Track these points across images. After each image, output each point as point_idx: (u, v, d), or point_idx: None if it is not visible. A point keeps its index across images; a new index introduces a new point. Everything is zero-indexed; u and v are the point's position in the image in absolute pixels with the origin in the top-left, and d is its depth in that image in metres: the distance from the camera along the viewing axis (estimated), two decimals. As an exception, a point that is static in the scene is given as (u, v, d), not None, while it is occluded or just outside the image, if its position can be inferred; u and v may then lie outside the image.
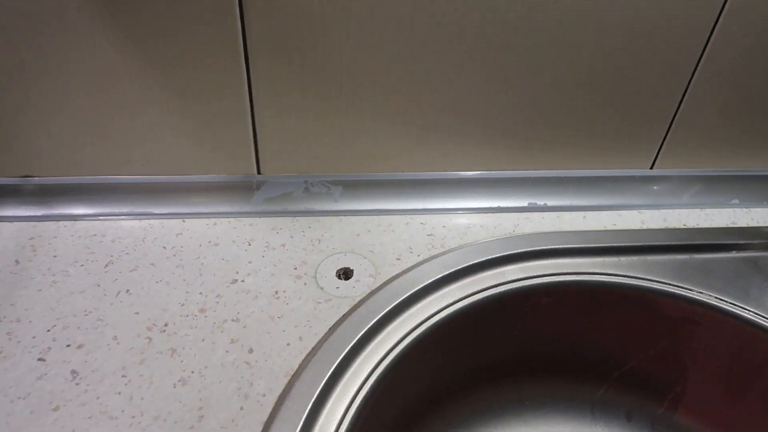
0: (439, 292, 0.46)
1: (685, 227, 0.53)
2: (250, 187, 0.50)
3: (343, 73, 0.46)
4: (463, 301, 0.46)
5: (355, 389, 0.38)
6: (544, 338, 0.53)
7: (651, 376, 0.54)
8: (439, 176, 0.53)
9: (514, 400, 0.56)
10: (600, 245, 0.50)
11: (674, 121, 0.53)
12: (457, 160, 0.53)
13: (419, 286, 0.45)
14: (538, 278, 0.48)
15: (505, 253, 0.49)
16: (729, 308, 0.47)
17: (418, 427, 0.51)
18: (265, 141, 0.49)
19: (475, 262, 0.48)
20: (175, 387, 0.37)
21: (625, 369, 0.54)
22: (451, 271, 0.47)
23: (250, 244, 0.48)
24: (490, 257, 0.48)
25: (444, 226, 0.51)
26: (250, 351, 0.39)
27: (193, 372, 0.38)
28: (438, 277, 0.46)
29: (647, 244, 0.51)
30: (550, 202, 0.54)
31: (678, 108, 0.52)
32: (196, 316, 0.41)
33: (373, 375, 0.40)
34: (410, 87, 0.48)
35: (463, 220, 0.52)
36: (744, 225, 0.54)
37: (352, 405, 0.38)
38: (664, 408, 0.55)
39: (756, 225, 0.53)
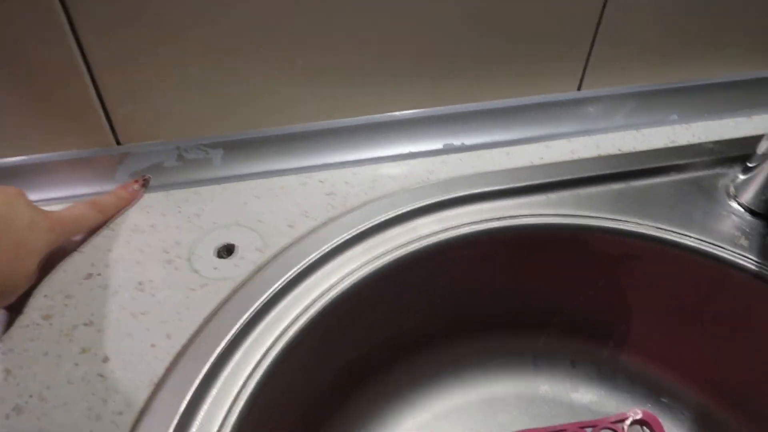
0: (339, 258, 0.39)
1: (620, 153, 0.47)
2: (111, 161, 0.42)
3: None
4: (370, 264, 0.39)
5: (236, 390, 0.32)
6: (473, 293, 0.47)
7: (593, 318, 0.49)
8: (336, 125, 0.46)
9: (449, 362, 0.50)
10: (525, 184, 0.44)
11: (598, 33, 0.46)
12: (355, 105, 0.46)
13: (314, 255, 0.38)
14: (456, 229, 0.42)
15: (417, 205, 0.42)
16: (671, 237, 0.42)
17: (341, 409, 0.46)
18: (114, 102, 0.40)
19: (382, 219, 0.41)
20: (8, 418, 0.30)
21: (564, 314, 0.49)
22: (352, 232, 0.40)
23: (112, 230, 0.40)
24: (399, 212, 0.42)
25: (347, 182, 0.44)
26: (105, 360, 0.32)
27: (31, 396, 0.31)
28: (337, 241, 0.39)
29: (578, 176, 0.45)
30: (469, 141, 0.47)
31: (600, 18, 0.46)
32: (38, 324, 0.34)
33: (258, 369, 0.33)
34: (291, 22, 0.40)
35: (368, 172, 0.45)
36: (684, 143, 0.48)
37: (233, 409, 0.31)
38: (609, 350, 0.51)
39: (697, 141, 0.48)
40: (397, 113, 0.47)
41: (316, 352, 0.39)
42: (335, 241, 0.40)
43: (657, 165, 0.46)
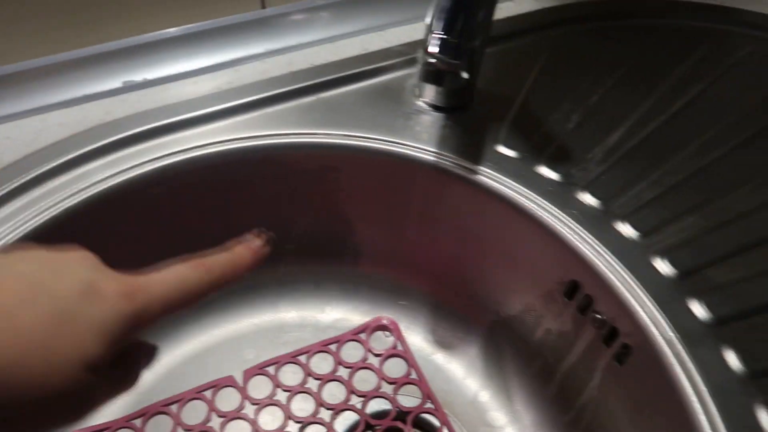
0: (-12, 219, 0.36)
1: (311, 67, 0.47)
2: None
3: None
4: (30, 222, 0.37)
5: None
6: (181, 232, 0.45)
7: (323, 237, 0.50)
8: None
9: (189, 310, 0.49)
10: (208, 111, 0.42)
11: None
12: (15, 45, 0.41)
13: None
14: (134, 169, 0.39)
15: (86, 149, 0.39)
16: (362, 144, 0.43)
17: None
18: None
19: (41, 171, 0.38)
20: None
21: (295, 239, 0.50)
22: (6, 188, 0.37)
23: None
24: (62, 159, 0.39)
25: (8, 137, 0.40)
26: None
27: None
28: (-15, 201, 0.36)
29: (265, 95, 0.44)
30: (151, 75, 0.44)
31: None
32: None
33: None
34: None
35: (34, 123, 0.41)
36: (377, 49, 0.49)
37: None
38: (347, 266, 0.52)
39: (387, 47, 0.49)
40: (60, 55, 0.42)
41: None
42: (-14, 200, 0.36)
43: (347, 73, 0.46)
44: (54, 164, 0.38)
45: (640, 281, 0.36)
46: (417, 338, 0.51)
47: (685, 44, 0.51)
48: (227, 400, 0.47)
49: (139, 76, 0.44)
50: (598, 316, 0.38)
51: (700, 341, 0.33)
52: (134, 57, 0.44)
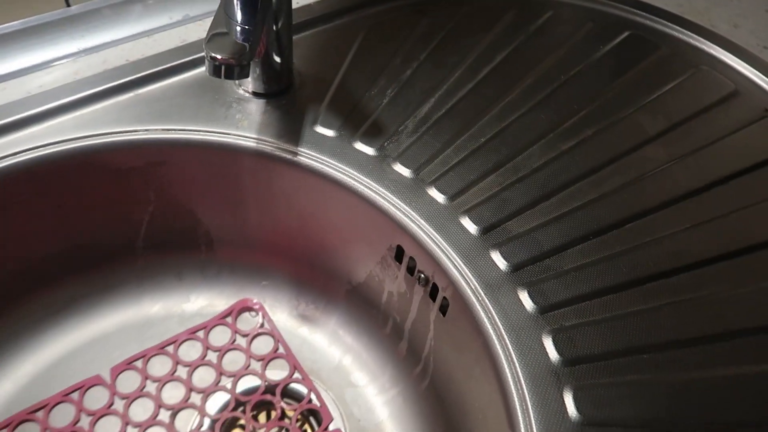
0: None
1: (126, 63, 0.46)
2: None
3: None
4: None
5: None
6: (19, 243, 0.44)
7: (172, 229, 0.50)
8: None
9: (38, 316, 0.48)
10: (16, 117, 0.41)
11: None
12: None
13: None
14: (-62, 187, 0.39)
15: None
16: (182, 137, 0.43)
17: None
18: None
19: None
20: None
21: (143, 235, 0.50)
22: None
23: None
24: None
25: None
26: None
27: None
28: None
29: (77, 96, 0.43)
30: (-50, 85, 0.43)
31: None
32: None
33: None
34: None
35: None
36: (195, 39, 0.49)
37: None
38: (204, 253, 0.53)
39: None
40: None
41: None
42: None
43: (165, 67, 0.46)
44: None
45: (449, 240, 0.39)
46: (282, 315, 0.53)
47: (493, 14, 0.55)
48: (96, 398, 0.47)
49: (-65, 89, 0.41)
50: (422, 275, 0.42)
51: (499, 287, 0.37)
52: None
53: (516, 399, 0.33)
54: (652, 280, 0.38)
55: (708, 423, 0.32)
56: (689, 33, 0.54)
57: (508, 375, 0.34)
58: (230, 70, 0.34)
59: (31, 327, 0.48)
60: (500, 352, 0.35)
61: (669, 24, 0.55)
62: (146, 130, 0.43)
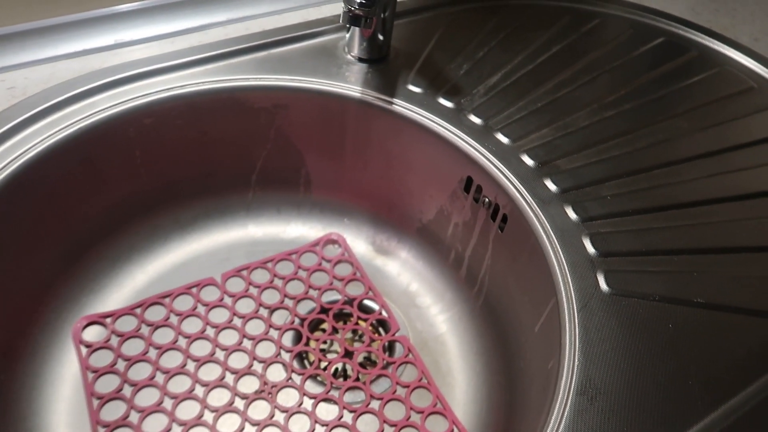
0: (19, 136, 0.46)
1: (263, 30, 0.60)
2: None
3: None
4: (56, 136, 0.47)
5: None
6: (169, 161, 0.57)
7: (281, 168, 0.62)
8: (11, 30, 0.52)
9: (168, 227, 0.60)
10: (186, 60, 0.55)
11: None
12: (31, 6, 0.52)
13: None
14: (130, 101, 0.51)
15: (93, 85, 0.51)
16: (305, 85, 0.56)
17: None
18: None
19: (60, 99, 0.49)
20: None
21: (258, 169, 0.62)
22: (31, 113, 0.47)
23: None
24: (75, 92, 0.50)
25: (26, 78, 0.51)
26: None
27: None
28: (17, 121, 0.46)
29: (229, 49, 0.56)
30: (137, 36, 0.56)
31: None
32: None
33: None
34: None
35: (46, 70, 0.52)
36: (314, 18, 0.62)
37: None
38: (302, 193, 0.65)
39: (322, 17, 0.62)
40: (67, 16, 0.53)
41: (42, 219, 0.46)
42: (13, 122, 0.46)
43: (292, 35, 0.59)
44: (65, 96, 0.49)
45: (511, 169, 0.50)
46: (361, 248, 0.64)
47: (551, 18, 0.67)
48: (210, 294, 0.58)
49: (127, 37, 0.55)
50: (486, 199, 0.52)
51: (549, 203, 0.48)
52: (124, 21, 0.55)
53: (559, 276, 0.43)
54: (673, 208, 0.48)
55: (712, 303, 0.41)
56: (715, 41, 0.65)
57: (554, 262, 0.44)
58: (358, 19, 0.46)
59: (162, 235, 0.60)
60: (549, 247, 0.45)
61: (698, 33, 0.66)
62: (277, 78, 0.55)
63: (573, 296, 0.42)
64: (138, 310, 0.56)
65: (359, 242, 0.64)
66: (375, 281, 0.61)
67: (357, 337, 0.58)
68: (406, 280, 0.62)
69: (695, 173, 0.51)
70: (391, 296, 0.60)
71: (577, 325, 0.40)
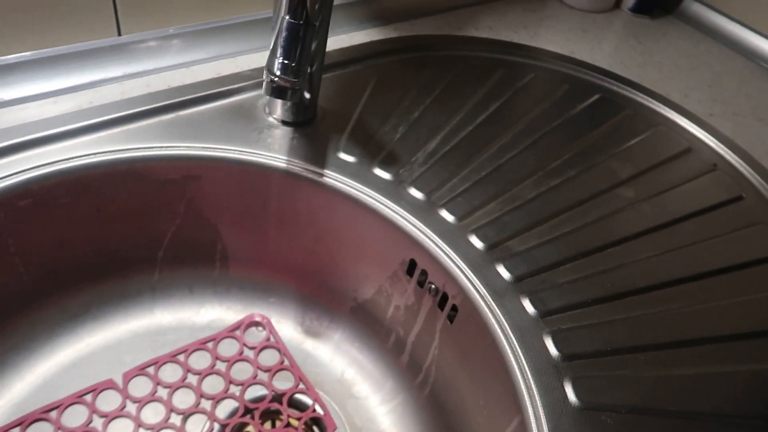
0: None
1: (169, 88, 0.51)
2: None
3: None
4: None
5: None
6: (54, 245, 0.47)
7: (192, 243, 0.54)
8: None
9: (54, 319, 0.50)
10: (73, 126, 0.45)
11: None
12: None
13: None
14: (0, 181, 0.42)
15: (-54, 165, 0.41)
16: (220, 154, 0.48)
17: None
18: None
19: None
20: None
21: (165, 246, 0.53)
22: None
23: None
24: None
25: None
26: None
27: None
28: None
29: (127, 113, 0.48)
30: (8, 96, 0.46)
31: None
32: None
33: None
34: None
35: None
36: (229, 73, 0.55)
37: None
38: (218, 270, 0.56)
39: (238, 71, 0.55)
40: None
41: None
42: None
43: (203, 94, 0.51)
44: None
45: (459, 254, 0.45)
46: (288, 330, 0.57)
47: (485, 71, 0.63)
48: (108, 401, 0.49)
49: (-5, 96, 0.45)
50: (433, 286, 0.47)
51: (504, 294, 0.43)
52: (-11, 77, 0.45)
53: (524, 388, 0.38)
54: (630, 294, 0.45)
55: (684, 411, 0.38)
56: (648, 98, 0.64)
57: (516, 368, 0.39)
58: (284, 91, 0.40)
59: (47, 330, 0.50)
60: (508, 349, 0.40)
61: (631, 90, 0.64)
62: (187, 146, 0.47)
63: (542, 414, 0.37)
64: (16, 431, 0.46)
65: (286, 324, 0.57)
66: (305, 369, 0.54)
67: (287, 440, 0.51)
68: (341, 367, 0.55)
69: (649, 250, 0.48)
70: (324, 387, 0.53)
71: (549, 451, 0.36)
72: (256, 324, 0.56)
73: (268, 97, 0.50)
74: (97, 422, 0.47)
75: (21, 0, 0.44)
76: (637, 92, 0.65)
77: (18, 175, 0.42)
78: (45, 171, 0.43)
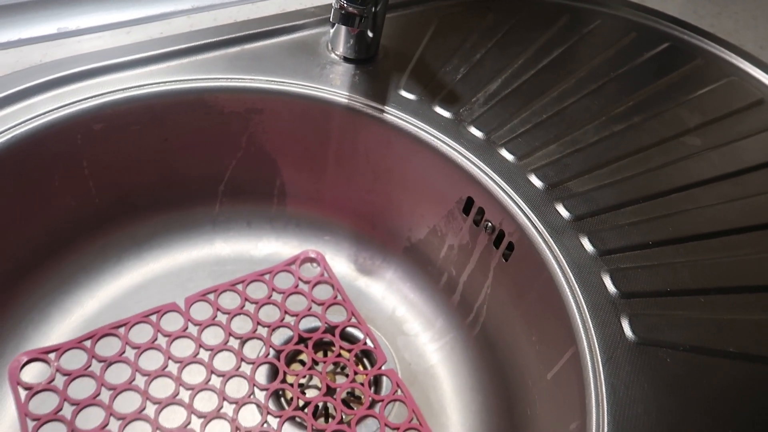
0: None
1: (235, 22, 0.52)
2: None
3: None
4: (-17, 147, 0.39)
5: None
6: (124, 170, 0.49)
7: (253, 178, 0.55)
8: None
9: (122, 244, 0.52)
10: (145, 55, 0.47)
11: None
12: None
13: None
14: (77, 104, 0.43)
15: (31, 84, 0.42)
16: (283, 88, 0.49)
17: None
18: None
19: (-13, 101, 0.41)
20: None
21: (226, 180, 0.55)
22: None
23: None
24: (9, 92, 0.42)
25: (-52, 74, 0.42)
26: None
27: None
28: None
29: (195, 44, 0.49)
30: (84, 24, 0.48)
31: None
32: None
33: None
34: None
35: (-27, 61, 0.44)
36: (293, 9, 0.55)
37: None
38: (275, 205, 0.58)
39: (302, 8, 0.55)
40: (-3, 0, 0.45)
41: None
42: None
43: (268, 28, 0.52)
44: (-1, 97, 0.41)
45: (518, 192, 0.45)
46: (341, 267, 0.58)
47: (549, 17, 0.61)
48: (172, 323, 0.51)
49: (73, 25, 0.47)
50: (489, 224, 0.47)
51: (563, 232, 0.43)
52: (69, 5, 0.47)
53: (579, 322, 0.38)
54: (693, 239, 0.44)
55: (746, 354, 0.37)
56: (721, 48, 0.61)
57: (572, 303, 0.39)
58: (352, 18, 0.40)
59: (115, 254, 0.53)
60: (565, 284, 0.40)
61: (703, 39, 0.62)
62: (252, 79, 0.48)
63: (596, 346, 0.37)
64: (87, 343, 0.48)
65: (339, 261, 0.58)
66: (358, 305, 0.55)
67: (339, 370, 0.52)
68: (392, 305, 0.56)
69: (714, 198, 0.47)
70: (375, 323, 0.55)
71: (603, 382, 0.35)
72: (311, 260, 0.57)
73: (331, 32, 0.51)
74: (162, 340, 0.50)
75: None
76: (710, 42, 0.62)
77: (93, 99, 0.44)
78: (118, 96, 0.44)
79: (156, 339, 0.50)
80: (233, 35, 0.50)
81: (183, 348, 0.50)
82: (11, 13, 0.45)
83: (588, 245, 0.42)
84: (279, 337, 0.52)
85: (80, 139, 0.44)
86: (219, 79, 0.47)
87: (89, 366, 0.47)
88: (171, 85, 0.46)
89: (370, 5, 0.42)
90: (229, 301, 0.53)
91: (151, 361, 0.49)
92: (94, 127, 0.44)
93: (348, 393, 0.51)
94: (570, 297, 0.40)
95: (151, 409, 0.46)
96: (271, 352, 0.51)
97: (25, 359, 0.46)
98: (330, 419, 0.49)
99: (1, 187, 0.41)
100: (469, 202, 0.48)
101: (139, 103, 0.45)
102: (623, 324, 0.38)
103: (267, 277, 0.56)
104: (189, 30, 0.50)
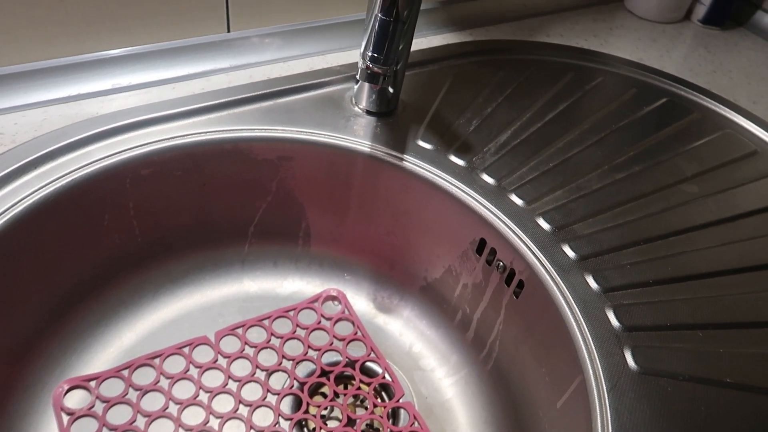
0: (8, 187, 0.43)
1: (268, 79, 0.57)
2: None
3: None
4: (49, 188, 0.44)
5: None
6: (165, 212, 0.54)
7: (280, 220, 0.60)
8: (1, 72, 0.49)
9: (159, 281, 0.56)
10: (188, 108, 0.52)
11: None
12: (11, 52, 0.49)
13: (-18, 184, 0.41)
14: (128, 151, 0.48)
15: (89, 133, 0.47)
16: (311, 138, 0.53)
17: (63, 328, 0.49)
18: None
19: (53, 147, 0.46)
20: None
21: (256, 221, 0.59)
22: (22, 162, 0.44)
23: None
24: (70, 140, 0.46)
25: (16, 123, 0.47)
26: None
27: None
28: (6, 171, 0.43)
29: (233, 98, 0.54)
30: (135, 81, 0.53)
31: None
32: None
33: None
34: None
35: (37, 114, 0.48)
36: (320, 68, 0.60)
37: None
38: (300, 246, 0.62)
39: (328, 66, 0.61)
40: (60, 59, 0.50)
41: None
42: (8, 169, 0.43)
43: (297, 85, 0.57)
44: (59, 145, 0.46)
45: (527, 234, 0.49)
46: (361, 305, 0.61)
47: (555, 74, 0.66)
48: (203, 355, 0.54)
49: (125, 81, 0.52)
50: (501, 263, 0.51)
51: (569, 271, 0.46)
52: (121, 64, 0.52)
53: (585, 352, 0.41)
54: (691, 279, 0.47)
55: (744, 384, 0.40)
56: (716, 103, 0.65)
57: (578, 335, 0.42)
58: (376, 77, 0.45)
59: (152, 290, 0.56)
60: (571, 318, 0.43)
61: (699, 95, 0.66)
62: (283, 129, 0.53)
63: (601, 374, 0.40)
64: (125, 373, 0.52)
65: (359, 299, 0.61)
66: (376, 341, 0.58)
67: (359, 402, 0.55)
68: (409, 341, 0.59)
69: (711, 241, 0.50)
70: (393, 358, 0.57)
71: (608, 407, 0.38)
72: (333, 298, 0.61)
73: (355, 88, 0.56)
74: (193, 371, 0.53)
75: (152, 0, 0.52)
76: (706, 97, 0.66)
77: (142, 147, 0.48)
78: (163, 145, 0.49)
79: (188, 370, 0.53)
80: (266, 90, 0.55)
81: (213, 378, 0.53)
82: (73, 71, 0.50)
83: (593, 283, 0.46)
84: (302, 370, 0.55)
85: (129, 183, 0.48)
86: (253, 129, 0.52)
87: (126, 394, 0.51)
88: (210, 135, 0.51)
89: (393, 65, 0.47)
90: (257, 335, 0.57)
91: (184, 390, 0.52)
92: (141, 173, 0.49)
93: (367, 424, 0.53)
94: (576, 330, 0.43)
95: (182, 436, 0.49)
96: (295, 384, 0.54)
97: (68, 386, 0.50)
98: (350, 449, 0.52)
99: (59, 225, 0.46)
100: (482, 244, 0.52)
101: (181, 151, 0.50)
102: (626, 355, 0.41)
103: (291, 313, 0.59)
104: (227, 86, 0.55)
